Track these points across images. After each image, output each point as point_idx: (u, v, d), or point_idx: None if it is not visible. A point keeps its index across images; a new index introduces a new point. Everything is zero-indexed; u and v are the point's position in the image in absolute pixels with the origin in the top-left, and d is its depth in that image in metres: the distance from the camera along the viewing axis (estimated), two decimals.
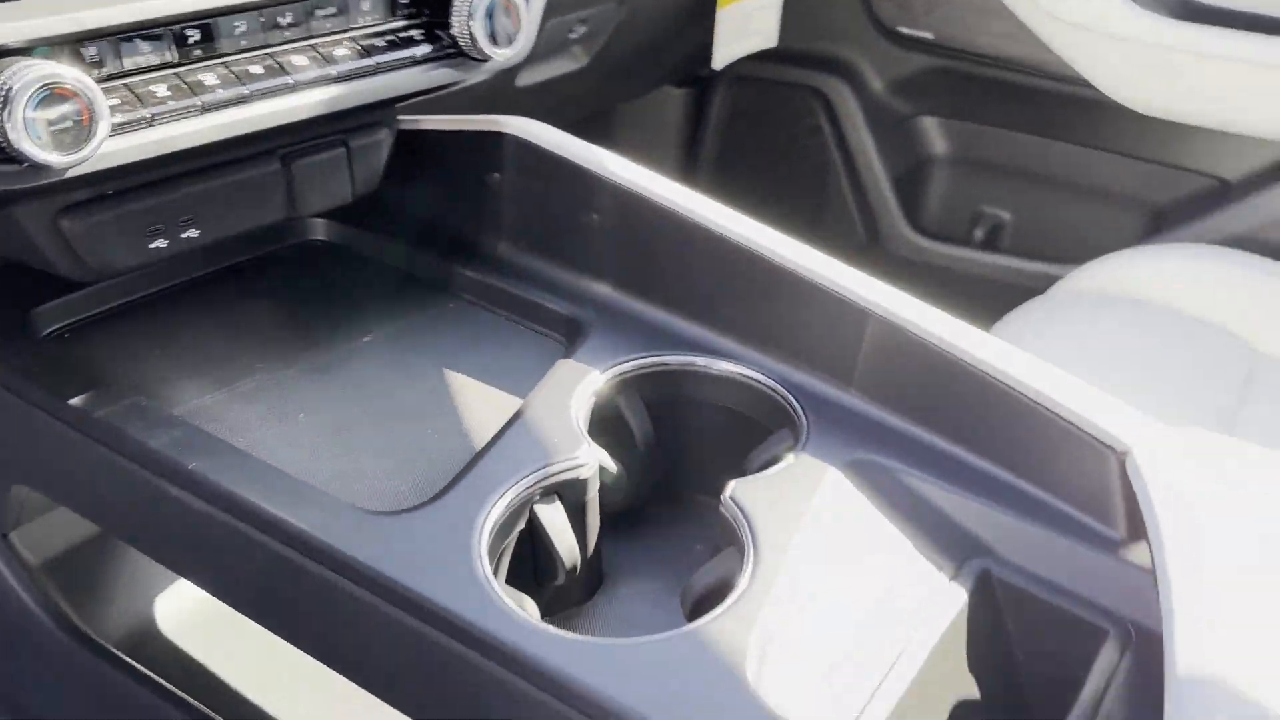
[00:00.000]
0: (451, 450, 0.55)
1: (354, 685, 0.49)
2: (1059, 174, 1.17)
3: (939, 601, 0.46)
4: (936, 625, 0.44)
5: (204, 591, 0.56)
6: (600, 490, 0.53)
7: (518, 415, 0.54)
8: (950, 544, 0.48)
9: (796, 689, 0.41)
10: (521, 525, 0.50)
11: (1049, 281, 0.97)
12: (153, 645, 0.71)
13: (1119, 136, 1.11)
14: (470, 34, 0.61)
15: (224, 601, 0.54)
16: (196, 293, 0.66)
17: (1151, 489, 0.43)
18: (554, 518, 0.50)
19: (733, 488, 0.49)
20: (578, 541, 0.51)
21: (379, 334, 0.64)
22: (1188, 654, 0.35)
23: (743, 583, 0.45)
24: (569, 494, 0.51)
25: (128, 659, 0.64)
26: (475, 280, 0.66)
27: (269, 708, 0.68)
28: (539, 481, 0.50)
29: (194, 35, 0.52)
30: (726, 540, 0.49)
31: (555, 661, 0.41)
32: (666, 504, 0.59)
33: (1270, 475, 0.47)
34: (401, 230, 0.69)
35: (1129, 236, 1.08)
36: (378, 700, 0.48)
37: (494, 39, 0.63)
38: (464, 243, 0.68)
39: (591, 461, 0.51)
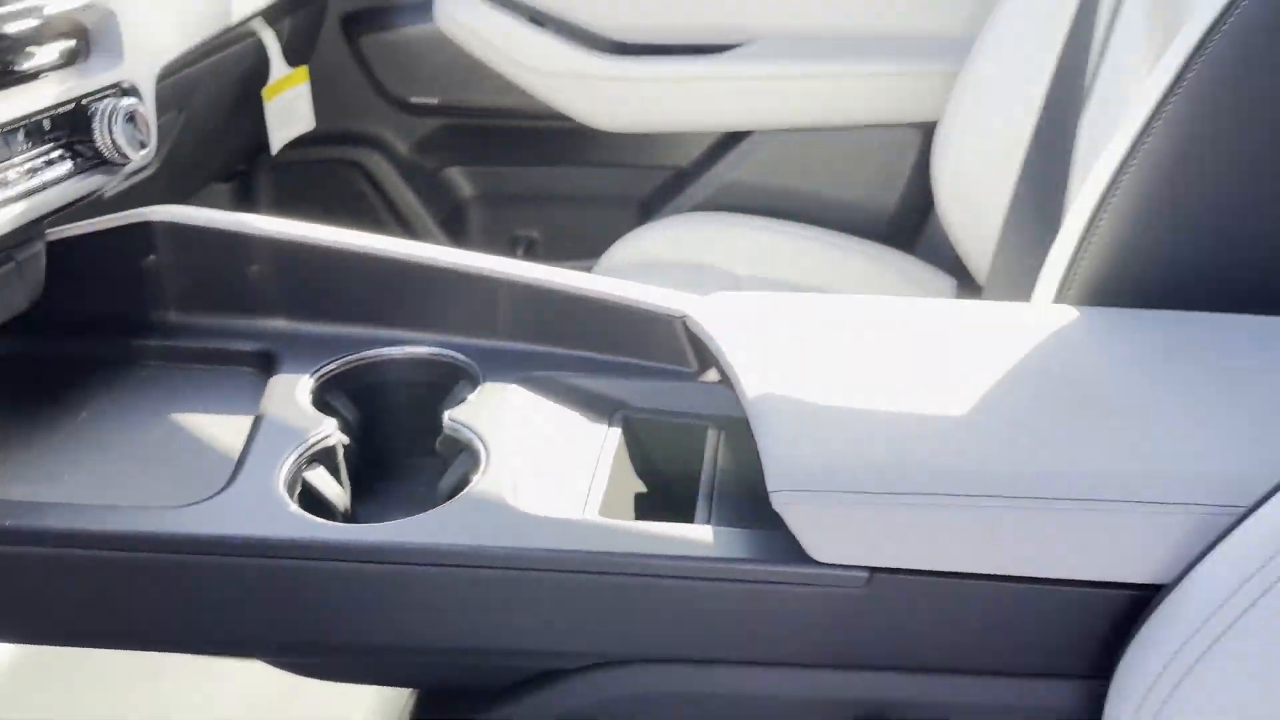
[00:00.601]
0: (211, 464, 0.67)
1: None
2: (566, 191, 1.48)
3: (609, 435, 0.68)
4: (611, 445, 0.67)
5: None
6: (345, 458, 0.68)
7: (258, 421, 0.68)
8: (601, 407, 0.71)
9: (539, 498, 0.61)
10: (299, 490, 0.64)
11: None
12: None
13: (601, 151, 1.43)
14: (113, 142, 0.73)
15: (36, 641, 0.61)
16: None
17: (707, 327, 0.68)
18: (323, 478, 0.65)
19: (447, 417, 0.68)
20: (341, 494, 0.67)
21: (93, 409, 0.73)
22: (756, 392, 0.60)
23: (482, 466, 0.64)
24: (326, 460, 0.66)
25: None
26: (158, 347, 0.77)
27: None
28: (303, 455, 0.64)
29: None
30: (454, 452, 0.67)
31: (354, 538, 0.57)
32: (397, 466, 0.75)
33: (774, 301, 0.74)
34: (76, 328, 0.78)
35: (630, 224, 1.40)
36: None
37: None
38: (136, 323, 0.79)
39: (334, 432, 0.67)
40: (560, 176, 1.46)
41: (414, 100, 1.42)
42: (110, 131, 0.73)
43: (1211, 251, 0.70)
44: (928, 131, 1.27)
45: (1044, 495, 0.53)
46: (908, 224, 1.38)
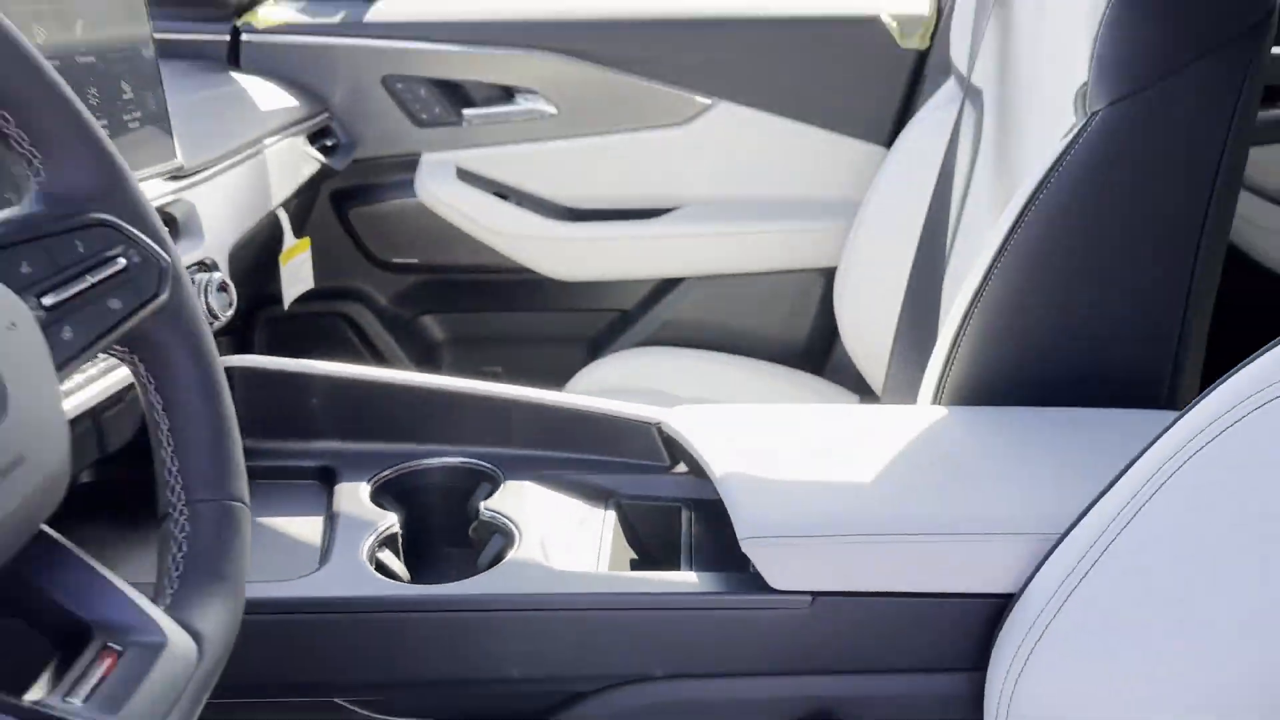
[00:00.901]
0: (301, 552, 0.85)
1: None
2: (526, 333, 1.71)
3: (607, 516, 0.89)
4: (609, 523, 0.88)
5: None
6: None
7: (332, 519, 0.87)
8: (598, 496, 0.92)
9: (561, 562, 0.81)
10: (374, 566, 0.83)
11: None
12: None
13: (557, 298, 1.68)
14: (209, 306, 0.94)
15: None
16: None
17: (680, 430, 0.91)
18: (391, 558, 0.85)
19: (482, 507, 0.88)
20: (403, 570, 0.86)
21: None
22: (723, 472, 0.83)
23: (516, 543, 0.84)
24: (391, 545, 0.85)
25: None
26: None
27: None
28: (375, 540, 0.84)
29: None
30: (489, 534, 0.87)
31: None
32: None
33: (725, 412, 0.97)
34: None
35: (582, 360, 1.63)
36: None
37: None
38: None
39: (395, 524, 0.87)
40: (521, 320, 1.69)
41: (395, 260, 1.66)
42: (207, 298, 0.94)
43: (1041, 361, 0.95)
44: (829, 275, 1.54)
45: (929, 532, 0.76)
46: (817, 350, 1.65)
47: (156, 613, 0.50)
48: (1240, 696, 0.69)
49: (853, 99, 1.57)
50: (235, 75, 1.43)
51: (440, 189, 1.58)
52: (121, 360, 0.57)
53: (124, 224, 0.55)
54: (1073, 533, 0.73)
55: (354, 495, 0.90)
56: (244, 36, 1.50)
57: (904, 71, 1.55)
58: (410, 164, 1.59)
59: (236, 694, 0.81)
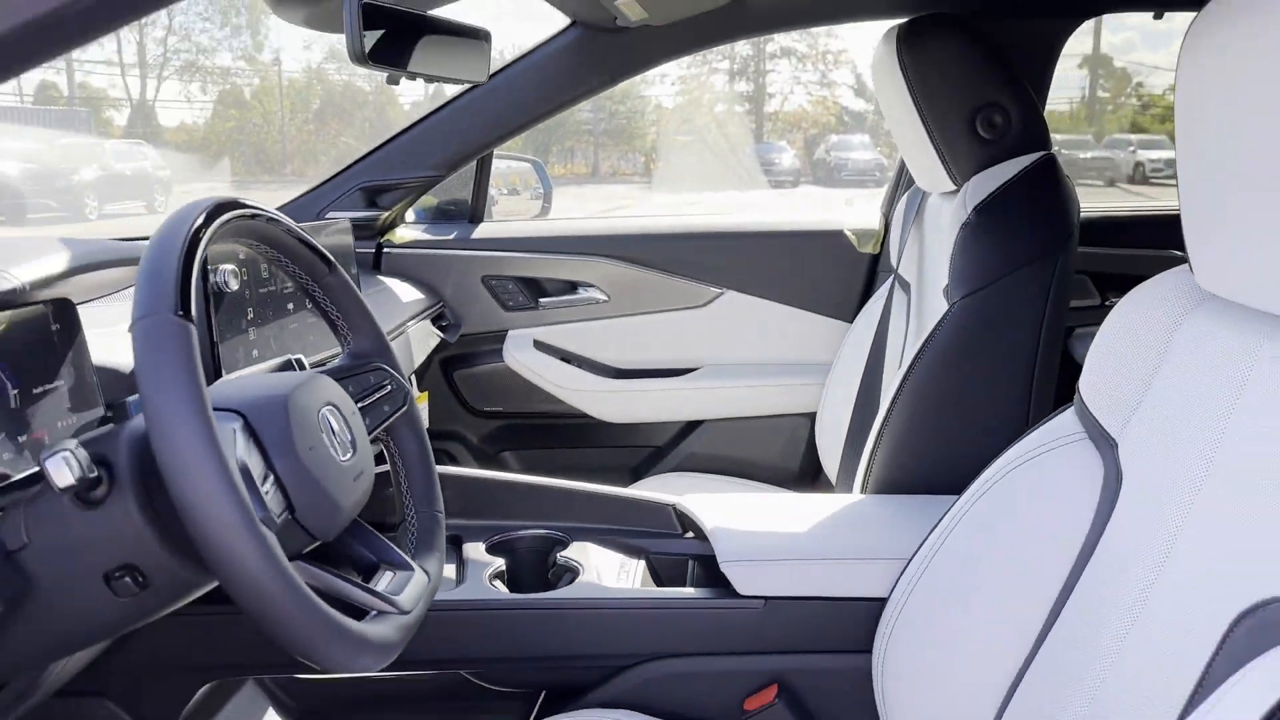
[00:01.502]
0: (445, 580, 1.35)
1: None
2: (584, 465, 2.22)
3: (639, 565, 1.38)
4: (641, 568, 1.37)
5: None
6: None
7: (462, 565, 1.37)
8: (633, 553, 1.41)
9: (613, 584, 1.30)
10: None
11: None
12: None
13: (606, 436, 2.20)
14: None
15: None
16: None
17: (689, 507, 1.41)
18: (501, 586, 1.34)
19: (559, 557, 1.37)
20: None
21: None
22: (712, 525, 1.32)
23: (581, 575, 1.32)
24: (500, 578, 1.35)
25: None
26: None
27: None
28: (490, 574, 1.33)
29: None
30: (564, 571, 1.36)
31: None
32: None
33: (725, 498, 1.46)
34: None
35: (625, 483, 2.13)
36: None
37: None
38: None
39: (504, 568, 1.36)
40: (580, 454, 2.21)
41: (486, 409, 2.20)
42: None
43: (924, 460, 1.45)
44: (813, 418, 2.05)
45: (839, 557, 1.25)
46: (806, 475, 2.14)
47: (409, 560, 1.01)
48: (1012, 644, 1.14)
49: (825, 289, 2.12)
50: (380, 277, 2.02)
51: (522, 355, 2.13)
52: (380, 440, 1.09)
53: (388, 368, 1.09)
54: (915, 556, 1.21)
55: (477, 550, 1.40)
56: (385, 250, 2.11)
57: (862, 268, 2.10)
58: (500, 337, 2.15)
59: (403, 666, 1.29)
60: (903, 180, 2.07)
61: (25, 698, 1.05)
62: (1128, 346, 0.93)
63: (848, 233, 2.11)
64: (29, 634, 0.86)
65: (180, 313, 0.75)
